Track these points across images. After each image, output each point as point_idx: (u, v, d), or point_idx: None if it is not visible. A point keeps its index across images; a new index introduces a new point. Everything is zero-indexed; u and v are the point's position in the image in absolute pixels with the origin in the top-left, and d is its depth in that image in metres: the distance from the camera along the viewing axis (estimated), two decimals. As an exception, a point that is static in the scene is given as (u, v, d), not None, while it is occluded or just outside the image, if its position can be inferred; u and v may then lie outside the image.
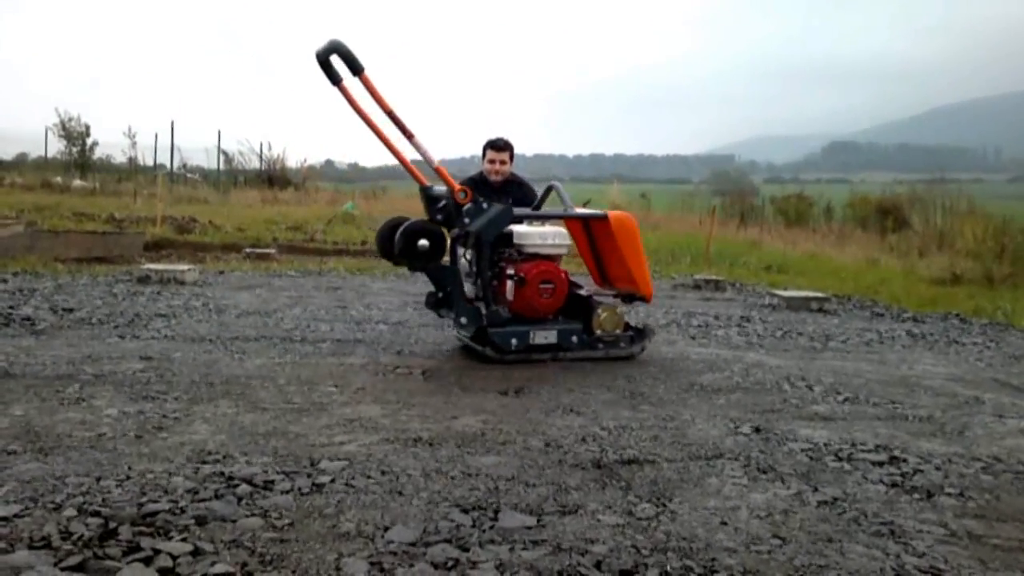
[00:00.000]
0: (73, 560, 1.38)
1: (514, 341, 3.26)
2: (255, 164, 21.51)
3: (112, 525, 1.52)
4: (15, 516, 1.54)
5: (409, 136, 3.24)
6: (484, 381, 2.94)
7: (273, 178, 19.84)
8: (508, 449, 2.13)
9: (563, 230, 3.51)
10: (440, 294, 3.46)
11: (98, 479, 1.76)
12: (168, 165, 21.47)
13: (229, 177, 21.10)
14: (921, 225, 10.83)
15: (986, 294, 6.47)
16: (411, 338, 3.76)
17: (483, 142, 5.71)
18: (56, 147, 22.20)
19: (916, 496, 1.91)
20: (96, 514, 1.57)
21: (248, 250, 8.22)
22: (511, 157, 5.68)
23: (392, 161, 3.38)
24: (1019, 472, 2.12)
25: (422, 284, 6.07)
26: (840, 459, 2.16)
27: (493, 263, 3.35)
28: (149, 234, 8.74)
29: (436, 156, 3.28)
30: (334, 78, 3.23)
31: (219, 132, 23.00)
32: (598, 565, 1.46)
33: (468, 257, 3.41)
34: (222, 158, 22.29)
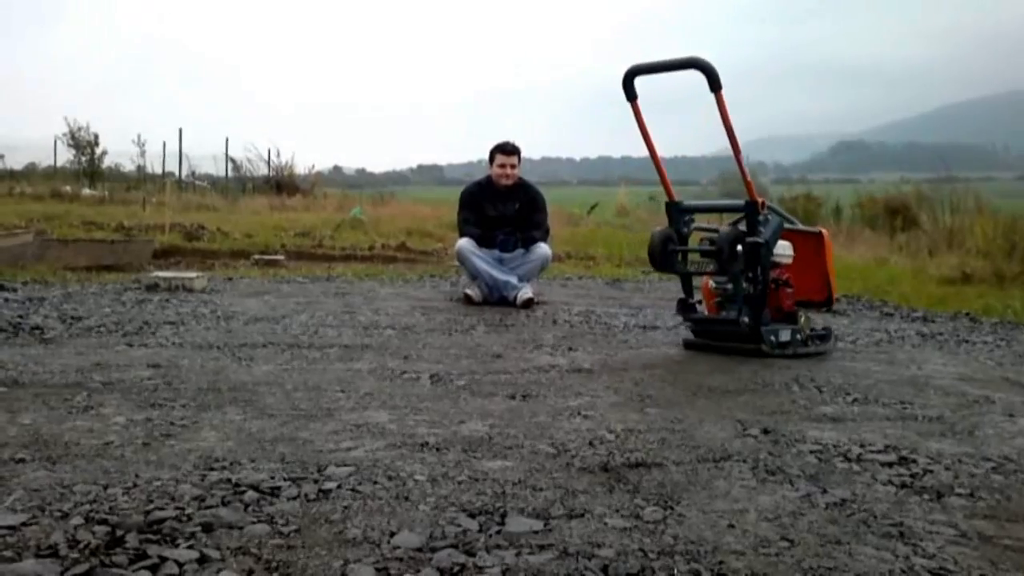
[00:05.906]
0: (80, 568, 1.38)
1: (772, 339, 3.55)
2: (263, 171, 21.61)
3: (119, 533, 1.52)
4: (22, 525, 1.55)
5: (737, 151, 3.48)
6: (492, 386, 2.93)
7: (281, 184, 19.92)
8: (515, 453, 2.12)
9: (789, 242, 3.77)
10: (690, 300, 3.74)
11: (105, 487, 1.77)
12: (176, 173, 21.59)
13: (237, 184, 21.20)
14: (930, 224, 10.75)
15: (996, 293, 6.43)
16: (419, 343, 3.76)
17: (489, 147, 5.72)
18: (65, 156, 22.35)
19: (926, 497, 1.89)
20: (103, 522, 1.57)
21: (256, 257, 8.25)
22: (519, 161, 5.68)
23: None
24: (1030, 472, 2.10)
25: (429, 289, 6.09)
26: (849, 460, 2.15)
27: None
28: (158, 242, 8.77)
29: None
30: (632, 95, 3.58)
31: (227, 139, 23.12)
32: (605, 569, 1.45)
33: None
34: (230, 165, 22.39)
